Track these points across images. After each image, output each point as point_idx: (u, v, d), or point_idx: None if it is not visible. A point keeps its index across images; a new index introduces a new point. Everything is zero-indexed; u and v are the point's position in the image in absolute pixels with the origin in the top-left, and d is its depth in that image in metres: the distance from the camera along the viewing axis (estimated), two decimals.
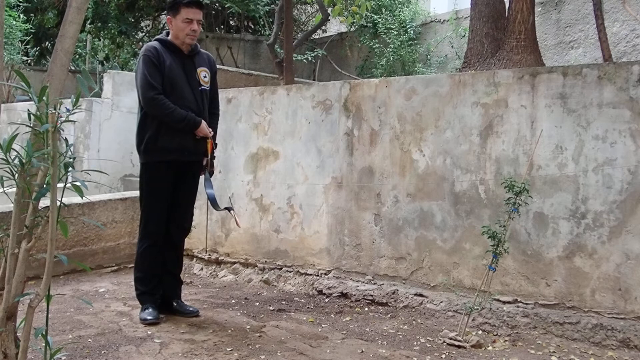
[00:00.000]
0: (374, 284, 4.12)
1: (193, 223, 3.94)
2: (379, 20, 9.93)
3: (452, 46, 9.40)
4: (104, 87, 7.19)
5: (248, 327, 3.49)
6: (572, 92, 3.43)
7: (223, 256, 4.97)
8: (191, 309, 3.70)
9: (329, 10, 8.03)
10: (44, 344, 1.85)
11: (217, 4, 10.98)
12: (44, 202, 1.86)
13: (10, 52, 9.76)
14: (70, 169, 1.82)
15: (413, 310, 3.85)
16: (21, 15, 10.49)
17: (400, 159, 4.04)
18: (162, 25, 11.72)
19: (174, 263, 3.74)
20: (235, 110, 4.97)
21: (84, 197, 1.85)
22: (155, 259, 3.62)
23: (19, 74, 1.90)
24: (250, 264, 4.79)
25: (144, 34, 11.85)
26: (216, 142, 3.78)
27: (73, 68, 10.84)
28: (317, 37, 11.24)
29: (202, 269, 5.05)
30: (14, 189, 1.85)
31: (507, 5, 5.97)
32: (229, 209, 3.74)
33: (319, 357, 3.02)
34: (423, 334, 3.46)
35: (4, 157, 1.76)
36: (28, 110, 1.91)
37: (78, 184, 1.81)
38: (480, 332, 3.48)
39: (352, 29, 10.48)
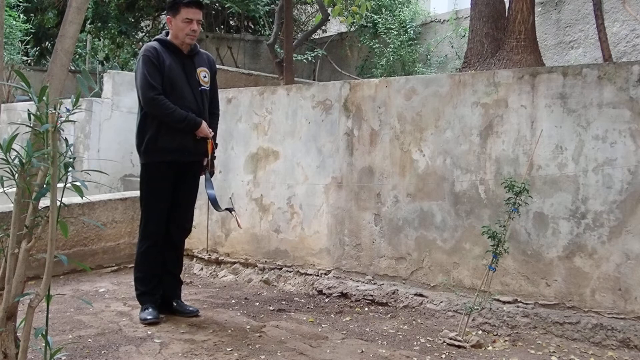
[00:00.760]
0: (374, 284, 4.12)
1: (193, 223, 3.93)
2: (379, 20, 9.93)
3: (452, 46, 9.40)
4: (104, 87, 7.19)
5: (248, 327, 3.49)
6: (572, 92, 3.43)
7: (223, 256, 4.97)
8: (191, 309, 3.70)
9: (329, 10, 8.03)
10: (44, 344, 1.85)
11: (217, 4, 10.98)
12: (44, 202, 1.86)
13: (10, 52, 9.76)
14: (70, 169, 1.81)
15: (413, 310, 3.85)
16: (21, 15, 10.49)
17: (400, 159, 4.04)
18: (162, 25, 11.72)
19: (174, 263, 3.74)
20: (235, 110, 4.97)
21: (84, 197, 1.85)
22: (156, 259, 3.62)
23: (19, 74, 1.90)
24: (250, 264, 4.79)
25: (144, 34, 11.85)
26: (216, 142, 3.77)
27: (73, 68, 10.85)
28: (317, 37, 11.24)
29: (202, 269, 5.05)
30: (14, 189, 1.85)
31: (507, 5, 5.97)
32: (230, 209, 3.73)
33: (319, 357, 3.02)
34: (423, 334, 3.46)
35: (4, 157, 1.76)
36: (28, 110, 1.91)
37: (78, 184, 1.81)
38: (480, 332, 3.48)
39: (352, 29, 10.48)
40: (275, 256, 4.64)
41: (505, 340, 3.35)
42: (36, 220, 1.88)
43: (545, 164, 3.49)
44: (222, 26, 11.85)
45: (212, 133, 3.66)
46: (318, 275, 4.38)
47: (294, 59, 7.67)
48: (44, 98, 1.77)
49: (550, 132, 3.48)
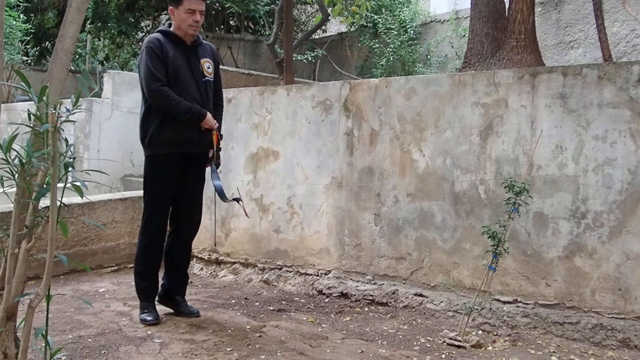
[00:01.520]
0: (374, 284, 4.12)
1: None
2: (379, 20, 9.92)
3: (452, 46, 9.40)
4: (104, 87, 7.19)
5: (248, 327, 3.49)
6: (572, 92, 3.43)
7: (223, 256, 4.97)
8: (192, 309, 3.69)
9: (329, 10, 8.03)
10: (44, 344, 1.85)
11: (217, 4, 10.98)
12: (44, 202, 1.86)
13: (10, 52, 9.76)
14: (70, 169, 1.81)
15: (413, 310, 3.85)
16: (21, 15, 10.49)
17: (400, 159, 4.04)
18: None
19: (182, 258, 3.71)
20: (235, 110, 4.97)
21: (84, 197, 1.85)
22: (157, 253, 3.60)
23: (19, 74, 1.90)
24: (250, 264, 4.79)
25: (144, 34, 11.85)
26: (221, 133, 3.71)
27: (73, 68, 10.86)
28: (317, 37, 11.24)
29: (202, 269, 5.05)
30: (14, 189, 1.85)
31: (507, 5, 5.97)
32: (237, 199, 3.68)
33: (319, 357, 3.02)
34: (423, 334, 3.46)
35: (4, 157, 1.76)
36: (28, 110, 1.91)
37: (78, 184, 1.81)
38: (480, 332, 3.48)
39: (352, 29, 10.47)
40: (275, 256, 4.64)
41: (505, 340, 3.35)
42: (36, 220, 1.88)
43: (545, 164, 3.49)
44: (222, 26, 11.85)
45: (217, 124, 3.60)
46: (318, 275, 4.38)
47: (294, 59, 7.67)
48: (44, 98, 1.77)
49: (550, 132, 3.48)
